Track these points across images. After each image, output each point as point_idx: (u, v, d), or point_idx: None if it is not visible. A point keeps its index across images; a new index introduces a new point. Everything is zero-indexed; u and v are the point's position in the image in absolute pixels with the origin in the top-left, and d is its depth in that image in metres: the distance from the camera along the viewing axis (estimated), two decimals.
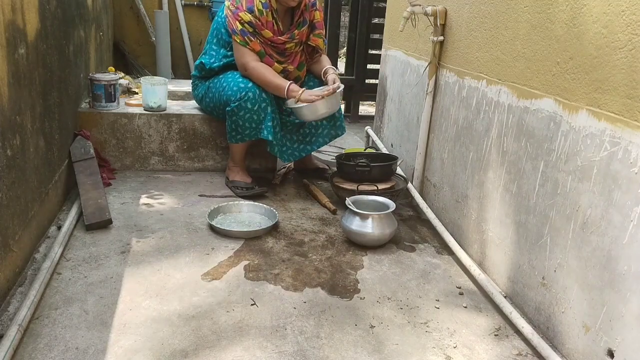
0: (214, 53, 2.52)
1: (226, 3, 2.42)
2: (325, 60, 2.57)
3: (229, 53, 2.46)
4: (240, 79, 2.37)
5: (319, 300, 1.67)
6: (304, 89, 2.36)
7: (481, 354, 1.47)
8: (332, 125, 2.60)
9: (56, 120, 2.10)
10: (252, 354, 1.40)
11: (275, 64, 2.42)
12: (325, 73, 2.49)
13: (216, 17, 2.52)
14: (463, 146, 2.06)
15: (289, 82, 2.35)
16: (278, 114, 2.48)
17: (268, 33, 2.35)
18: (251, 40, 2.34)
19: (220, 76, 2.48)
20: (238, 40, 2.35)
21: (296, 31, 2.41)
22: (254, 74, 2.35)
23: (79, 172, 2.26)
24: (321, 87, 2.44)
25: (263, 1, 2.31)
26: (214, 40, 2.53)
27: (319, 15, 2.51)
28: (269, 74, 2.36)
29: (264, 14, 2.32)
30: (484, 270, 1.88)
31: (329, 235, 2.14)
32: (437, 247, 2.11)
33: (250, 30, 2.33)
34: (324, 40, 2.57)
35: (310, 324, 1.54)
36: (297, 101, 2.33)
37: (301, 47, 2.50)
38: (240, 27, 2.33)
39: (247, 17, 2.31)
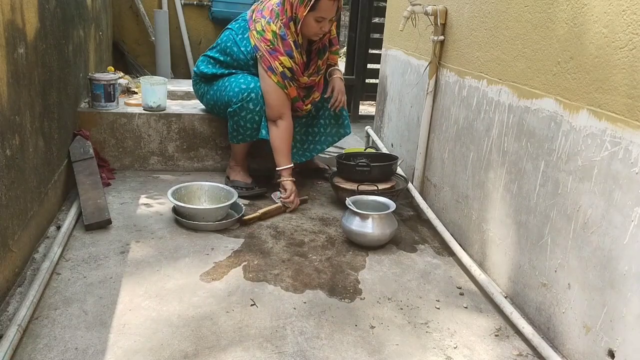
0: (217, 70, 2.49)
1: (255, 34, 2.28)
2: (334, 60, 2.56)
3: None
4: (243, 80, 2.34)
5: (319, 300, 1.67)
6: (293, 189, 2.32)
7: (481, 355, 1.47)
8: (339, 125, 2.61)
9: (55, 120, 2.10)
10: (252, 354, 1.39)
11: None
12: (330, 75, 2.51)
13: (226, 33, 2.43)
14: (463, 146, 2.05)
15: (289, 167, 2.34)
16: None
17: (304, 79, 2.32)
18: (290, 86, 2.29)
19: (225, 78, 2.46)
20: (275, 81, 2.27)
21: (319, 62, 2.38)
22: (280, 131, 2.31)
23: (79, 172, 2.25)
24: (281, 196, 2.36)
25: (295, 40, 2.24)
26: (221, 58, 2.43)
27: (333, 30, 2.44)
28: (285, 144, 2.34)
29: (300, 56, 2.27)
30: (485, 270, 1.87)
31: (329, 236, 2.13)
32: (437, 248, 2.11)
33: (290, 75, 2.27)
34: (338, 52, 2.55)
35: (310, 325, 1.54)
36: (279, 184, 2.36)
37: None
38: (280, 69, 2.25)
39: (289, 63, 2.25)
